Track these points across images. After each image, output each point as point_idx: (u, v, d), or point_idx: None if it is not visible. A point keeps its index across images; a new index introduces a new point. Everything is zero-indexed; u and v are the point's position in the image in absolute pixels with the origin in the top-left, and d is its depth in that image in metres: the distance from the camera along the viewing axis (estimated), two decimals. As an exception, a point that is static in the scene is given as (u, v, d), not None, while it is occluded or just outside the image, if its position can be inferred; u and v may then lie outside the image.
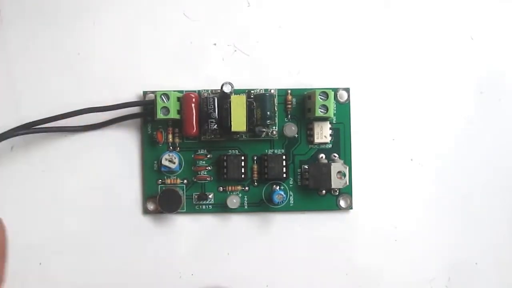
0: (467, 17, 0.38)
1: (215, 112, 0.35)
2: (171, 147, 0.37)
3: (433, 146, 0.38)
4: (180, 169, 0.37)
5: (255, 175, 0.37)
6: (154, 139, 0.37)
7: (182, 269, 0.37)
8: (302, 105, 0.37)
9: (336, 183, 0.35)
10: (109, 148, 0.37)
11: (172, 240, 0.37)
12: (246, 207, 0.37)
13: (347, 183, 0.35)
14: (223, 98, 0.35)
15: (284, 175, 0.36)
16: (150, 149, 0.37)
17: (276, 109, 0.36)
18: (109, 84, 0.37)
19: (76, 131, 0.37)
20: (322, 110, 0.35)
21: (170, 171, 0.37)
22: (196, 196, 0.37)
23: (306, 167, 0.36)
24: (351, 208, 0.37)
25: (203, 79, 0.37)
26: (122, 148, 0.37)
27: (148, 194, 0.37)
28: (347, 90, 0.37)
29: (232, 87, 0.34)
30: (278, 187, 0.36)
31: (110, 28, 0.37)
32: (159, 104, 0.34)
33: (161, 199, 0.36)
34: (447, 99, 0.38)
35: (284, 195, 0.35)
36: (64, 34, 0.37)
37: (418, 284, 0.37)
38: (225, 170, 0.36)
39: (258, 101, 0.35)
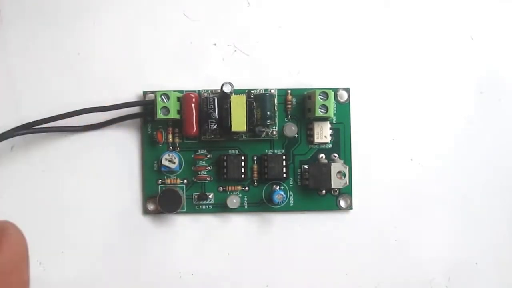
0: (467, 17, 0.38)
1: (215, 112, 0.35)
2: (171, 147, 0.37)
3: (433, 146, 0.37)
4: (180, 169, 0.37)
5: (255, 175, 0.37)
6: (154, 139, 0.37)
7: (182, 269, 0.37)
8: (302, 105, 0.37)
9: (336, 183, 0.35)
10: (109, 148, 0.37)
11: (172, 240, 0.37)
12: (246, 207, 0.37)
13: (347, 183, 0.35)
14: (223, 98, 0.35)
15: (284, 175, 0.36)
16: (150, 149, 0.37)
17: (276, 109, 0.36)
18: (109, 84, 0.37)
19: (76, 131, 0.37)
20: (322, 110, 0.35)
21: (170, 171, 0.37)
22: (196, 196, 0.37)
23: (306, 167, 0.36)
24: (351, 208, 0.37)
25: (203, 79, 0.37)
26: (122, 148, 0.37)
27: (148, 194, 0.37)
28: (347, 90, 0.37)
29: (232, 87, 0.34)
30: (278, 187, 0.36)
31: (110, 28, 0.37)
32: (159, 104, 0.34)
33: (161, 199, 0.36)
34: (447, 99, 0.38)
35: (284, 195, 0.35)
36: (64, 34, 0.37)
37: (418, 284, 0.37)
38: (225, 170, 0.36)
39: (258, 101, 0.35)
